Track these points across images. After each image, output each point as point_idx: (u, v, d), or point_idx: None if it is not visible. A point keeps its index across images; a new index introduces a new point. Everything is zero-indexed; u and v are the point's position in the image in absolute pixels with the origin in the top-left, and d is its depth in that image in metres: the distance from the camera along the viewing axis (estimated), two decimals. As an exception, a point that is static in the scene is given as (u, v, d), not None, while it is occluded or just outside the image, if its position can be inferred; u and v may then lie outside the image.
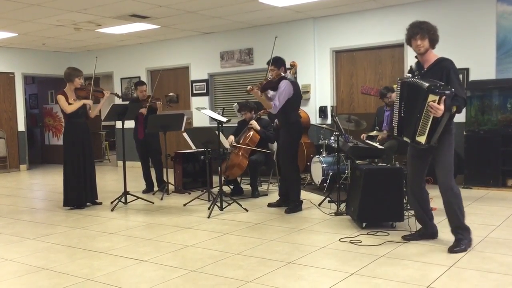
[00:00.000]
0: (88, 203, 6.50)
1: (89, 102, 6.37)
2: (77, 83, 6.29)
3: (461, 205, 4.05)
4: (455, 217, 4.04)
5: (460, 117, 7.21)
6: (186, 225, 5.30)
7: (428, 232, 4.37)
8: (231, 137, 6.99)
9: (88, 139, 6.42)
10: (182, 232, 5.02)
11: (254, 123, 6.78)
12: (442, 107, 3.71)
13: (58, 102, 6.26)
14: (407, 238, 4.39)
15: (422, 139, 3.90)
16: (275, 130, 6.42)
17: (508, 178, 6.90)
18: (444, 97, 3.71)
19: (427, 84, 3.81)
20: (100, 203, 6.58)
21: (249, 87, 5.68)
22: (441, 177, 4.03)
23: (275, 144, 6.88)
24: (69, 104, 6.21)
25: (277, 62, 5.76)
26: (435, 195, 6.40)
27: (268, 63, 5.79)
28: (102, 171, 10.55)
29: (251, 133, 6.72)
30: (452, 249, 4.00)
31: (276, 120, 6.25)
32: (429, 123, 3.82)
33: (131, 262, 4.03)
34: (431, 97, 3.76)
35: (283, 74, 5.76)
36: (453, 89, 3.77)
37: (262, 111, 6.96)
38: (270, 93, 5.82)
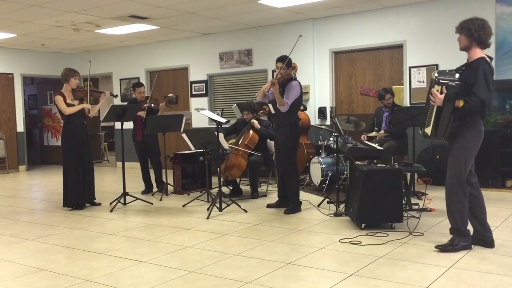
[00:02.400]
0: (87, 204, 6.50)
1: (87, 106, 6.34)
2: (73, 84, 6.29)
3: (462, 211, 3.97)
4: (452, 219, 4.04)
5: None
6: (185, 226, 5.29)
7: (475, 237, 4.13)
8: (220, 135, 6.97)
9: (86, 139, 6.41)
10: (181, 233, 5.02)
11: (255, 121, 6.76)
12: (440, 95, 3.81)
13: (56, 103, 6.24)
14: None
15: (428, 130, 3.99)
16: (275, 130, 6.41)
17: (507, 179, 6.91)
18: (444, 87, 3.78)
19: (436, 74, 3.90)
20: (99, 204, 6.58)
21: (272, 80, 5.68)
22: (447, 177, 4.03)
23: (273, 144, 6.88)
24: (67, 105, 6.21)
25: (289, 63, 5.77)
26: (434, 196, 6.42)
27: (279, 60, 5.77)
28: (101, 172, 10.55)
29: (251, 133, 6.71)
30: (438, 246, 4.04)
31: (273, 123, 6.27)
32: (434, 114, 3.91)
33: (130, 263, 4.02)
34: (436, 87, 3.87)
35: (292, 75, 5.81)
36: (456, 83, 3.78)
37: (261, 111, 6.95)
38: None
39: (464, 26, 3.93)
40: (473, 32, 3.89)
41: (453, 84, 3.79)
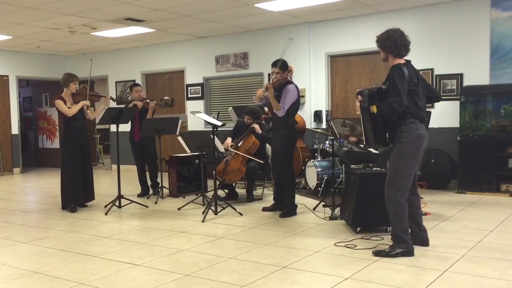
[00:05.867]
0: (86, 204, 6.59)
1: (86, 103, 6.40)
2: (72, 88, 6.37)
3: (397, 216, 4.03)
4: (392, 225, 4.12)
5: (454, 122, 7.30)
6: (180, 229, 5.28)
7: (413, 238, 4.24)
8: (229, 140, 6.93)
9: (86, 141, 6.52)
10: (176, 236, 5.00)
11: (256, 126, 6.71)
12: (357, 103, 4.14)
13: (57, 107, 6.31)
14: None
15: (364, 141, 4.28)
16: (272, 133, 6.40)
17: (501, 183, 6.93)
18: (358, 96, 4.10)
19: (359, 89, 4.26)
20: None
21: (266, 83, 5.70)
22: (385, 182, 4.11)
23: (270, 148, 6.87)
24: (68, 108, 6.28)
25: (284, 66, 5.77)
26: (429, 199, 6.44)
27: (273, 65, 5.79)
28: (96, 175, 10.38)
29: (253, 139, 6.65)
30: (377, 252, 4.09)
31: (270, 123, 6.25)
32: (361, 125, 4.18)
33: (125, 266, 4.01)
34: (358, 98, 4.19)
35: (288, 78, 5.79)
36: (366, 91, 4.05)
37: (263, 115, 6.90)
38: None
39: (378, 40, 4.14)
40: (385, 44, 4.10)
41: (365, 92, 4.05)
